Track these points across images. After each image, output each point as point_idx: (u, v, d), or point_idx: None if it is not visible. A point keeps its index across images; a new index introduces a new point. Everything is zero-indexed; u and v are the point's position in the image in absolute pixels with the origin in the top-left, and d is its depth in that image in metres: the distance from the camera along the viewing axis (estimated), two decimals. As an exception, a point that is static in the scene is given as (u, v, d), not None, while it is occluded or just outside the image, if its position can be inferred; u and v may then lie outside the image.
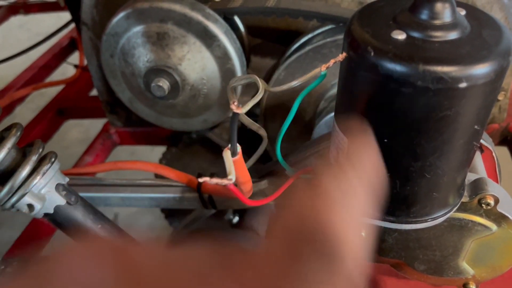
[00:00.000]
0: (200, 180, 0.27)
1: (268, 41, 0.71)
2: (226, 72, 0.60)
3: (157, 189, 0.60)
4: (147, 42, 0.59)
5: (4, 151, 0.42)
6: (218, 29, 0.58)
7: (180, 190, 0.59)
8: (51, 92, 1.19)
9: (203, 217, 0.72)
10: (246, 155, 0.79)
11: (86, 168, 0.66)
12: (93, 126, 1.56)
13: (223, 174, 0.91)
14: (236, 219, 0.87)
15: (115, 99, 0.82)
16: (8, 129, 0.45)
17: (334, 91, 0.62)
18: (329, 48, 0.58)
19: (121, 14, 0.59)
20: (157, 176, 0.80)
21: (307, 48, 0.58)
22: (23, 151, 0.45)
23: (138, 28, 0.59)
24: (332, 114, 0.59)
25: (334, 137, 0.36)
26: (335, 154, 0.37)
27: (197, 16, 0.57)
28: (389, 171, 0.33)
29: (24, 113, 1.27)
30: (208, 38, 0.58)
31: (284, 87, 0.34)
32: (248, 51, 0.67)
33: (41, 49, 1.30)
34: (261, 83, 0.34)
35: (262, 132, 0.51)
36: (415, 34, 0.29)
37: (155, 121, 0.69)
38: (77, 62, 1.21)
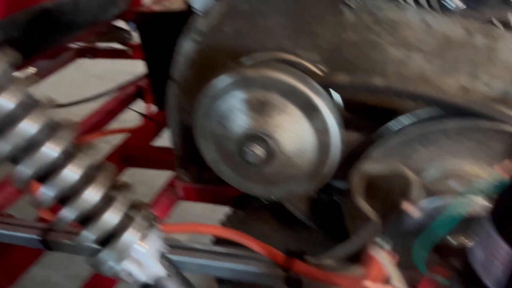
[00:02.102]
0: (370, 285, 0.24)
1: (357, 116, 0.70)
2: (324, 146, 0.59)
3: (238, 260, 0.57)
4: (247, 108, 0.59)
5: (116, 214, 0.40)
6: (322, 102, 0.57)
7: (264, 265, 0.56)
8: (111, 137, 1.20)
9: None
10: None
11: (166, 226, 0.63)
12: (139, 172, 1.56)
13: (290, 244, 0.86)
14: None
15: (189, 156, 0.81)
16: (117, 187, 0.44)
17: (430, 172, 0.59)
18: (435, 133, 0.56)
19: (223, 77, 0.59)
20: (219, 240, 0.77)
21: (414, 132, 0.56)
22: (128, 211, 0.44)
23: (239, 93, 0.58)
24: (433, 200, 0.56)
25: (489, 244, 0.33)
26: (483, 258, 0.34)
27: (302, 87, 0.56)
28: None
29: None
30: (310, 110, 0.57)
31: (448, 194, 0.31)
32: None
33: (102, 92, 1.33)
34: (415, 181, 0.32)
35: (373, 216, 0.48)
36: None
37: (237, 185, 0.68)
38: (137, 108, 1.24)
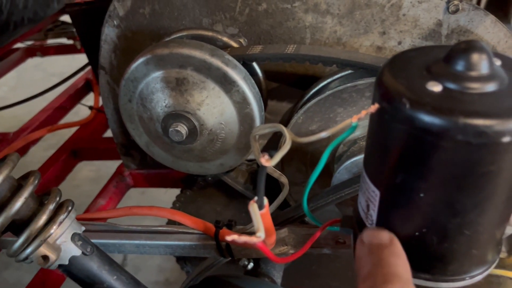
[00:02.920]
0: (229, 238, 0.26)
1: (285, 85, 0.71)
2: (245, 117, 0.60)
3: (173, 236, 0.59)
4: (166, 88, 0.59)
5: (21, 200, 0.41)
6: (237, 75, 0.57)
7: (197, 238, 0.58)
8: (64, 131, 1.20)
9: (218, 265, 0.69)
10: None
11: (99, 213, 0.64)
12: (104, 165, 1.55)
13: (238, 217, 0.89)
14: (251, 265, 0.85)
15: (130, 142, 0.82)
16: (26, 176, 0.44)
17: (354, 134, 0.61)
18: (349, 93, 0.57)
19: (140, 60, 0.59)
20: (170, 221, 0.78)
21: (327, 92, 0.57)
22: (40, 199, 0.44)
23: (157, 74, 0.59)
24: (353, 159, 0.57)
25: (364, 188, 0.35)
26: (365, 205, 0.35)
27: (217, 62, 0.57)
28: (426, 227, 0.31)
29: (35, 151, 1.27)
30: (227, 84, 0.58)
31: (313, 138, 0.33)
32: (265, 95, 0.67)
33: (56, 89, 1.32)
34: (288, 134, 0.33)
35: (284, 179, 0.50)
36: (452, 86, 0.28)
37: (171, 165, 0.69)
38: (91, 103, 1.23)
